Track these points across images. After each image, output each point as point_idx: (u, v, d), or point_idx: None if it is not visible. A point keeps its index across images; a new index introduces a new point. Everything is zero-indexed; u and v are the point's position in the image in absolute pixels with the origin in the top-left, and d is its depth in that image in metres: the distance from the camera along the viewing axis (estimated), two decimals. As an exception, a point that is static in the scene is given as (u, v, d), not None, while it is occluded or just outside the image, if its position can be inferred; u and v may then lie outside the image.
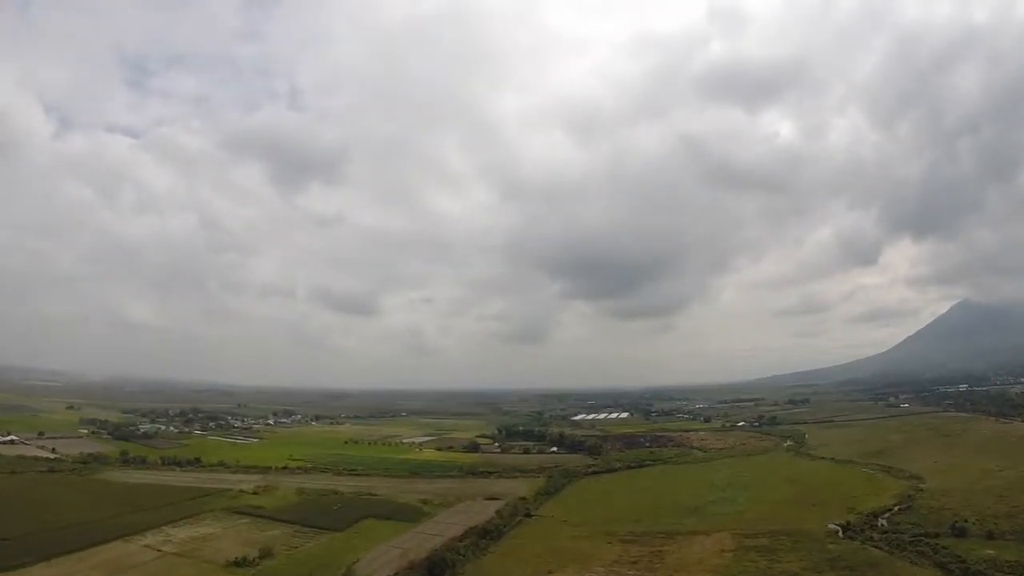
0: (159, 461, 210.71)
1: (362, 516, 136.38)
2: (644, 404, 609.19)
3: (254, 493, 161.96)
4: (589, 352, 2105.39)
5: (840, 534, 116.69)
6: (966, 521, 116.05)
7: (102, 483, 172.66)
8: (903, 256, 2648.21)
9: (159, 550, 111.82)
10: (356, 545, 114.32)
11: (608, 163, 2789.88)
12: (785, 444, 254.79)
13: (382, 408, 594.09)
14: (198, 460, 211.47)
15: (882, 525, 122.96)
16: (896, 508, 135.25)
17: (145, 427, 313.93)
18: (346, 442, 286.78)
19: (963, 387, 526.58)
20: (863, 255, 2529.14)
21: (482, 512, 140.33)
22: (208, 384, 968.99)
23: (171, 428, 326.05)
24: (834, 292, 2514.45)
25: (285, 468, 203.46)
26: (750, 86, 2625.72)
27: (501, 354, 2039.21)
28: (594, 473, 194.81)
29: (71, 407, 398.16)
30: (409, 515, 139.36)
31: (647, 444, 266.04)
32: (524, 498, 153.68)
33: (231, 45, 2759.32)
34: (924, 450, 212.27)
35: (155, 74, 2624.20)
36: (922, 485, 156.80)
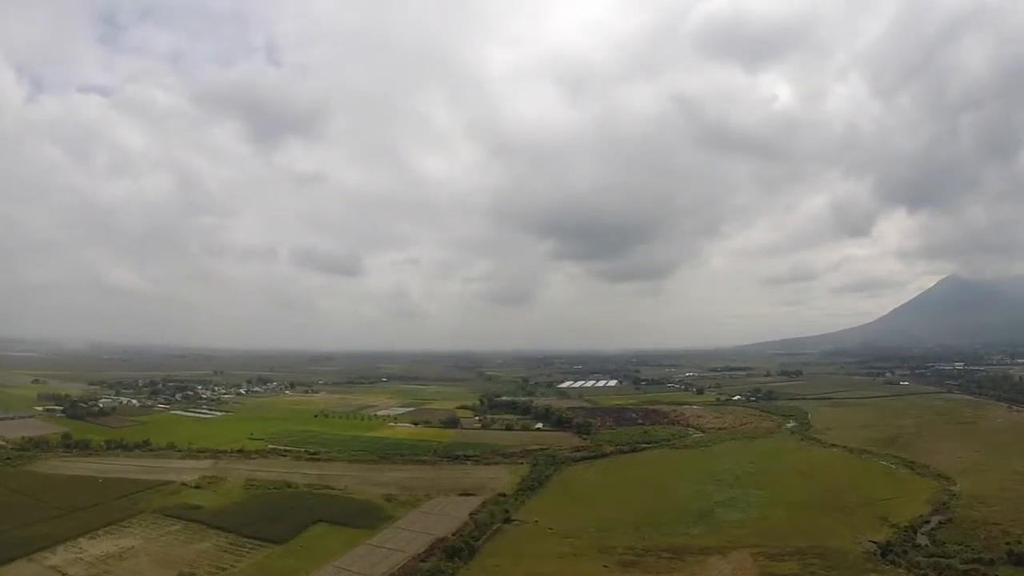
0: (103, 445, 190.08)
1: (313, 520, 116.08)
2: (632, 371, 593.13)
3: (196, 487, 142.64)
4: (576, 314, 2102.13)
5: (878, 555, 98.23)
6: (1020, 543, 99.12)
7: (31, 476, 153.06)
8: (895, 228, 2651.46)
9: (64, 573, 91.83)
10: (295, 567, 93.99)
11: (599, 122, 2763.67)
12: (788, 425, 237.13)
13: (363, 373, 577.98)
14: (146, 443, 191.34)
15: (924, 545, 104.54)
16: (934, 520, 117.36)
17: (105, 402, 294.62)
18: (316, 415, 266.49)
19: (959, 365, 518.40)
20: (855, 225, 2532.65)
21: (454, 513, 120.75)
22: (190, 349, 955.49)
23: (133, 402, 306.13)
24: (822, 261, 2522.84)
25: (240, 451, 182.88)
26: (751, 43, 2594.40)
27: (487, 316, 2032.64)
28: (584, 459, 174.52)
29: (36, 380, 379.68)
30: (368, 518, 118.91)
31: (639, 420, 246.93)
32: (503, 495, 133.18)
33: None
34: (941, 440, 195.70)
35: (128, 29, 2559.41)
36: (952, 488, 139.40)
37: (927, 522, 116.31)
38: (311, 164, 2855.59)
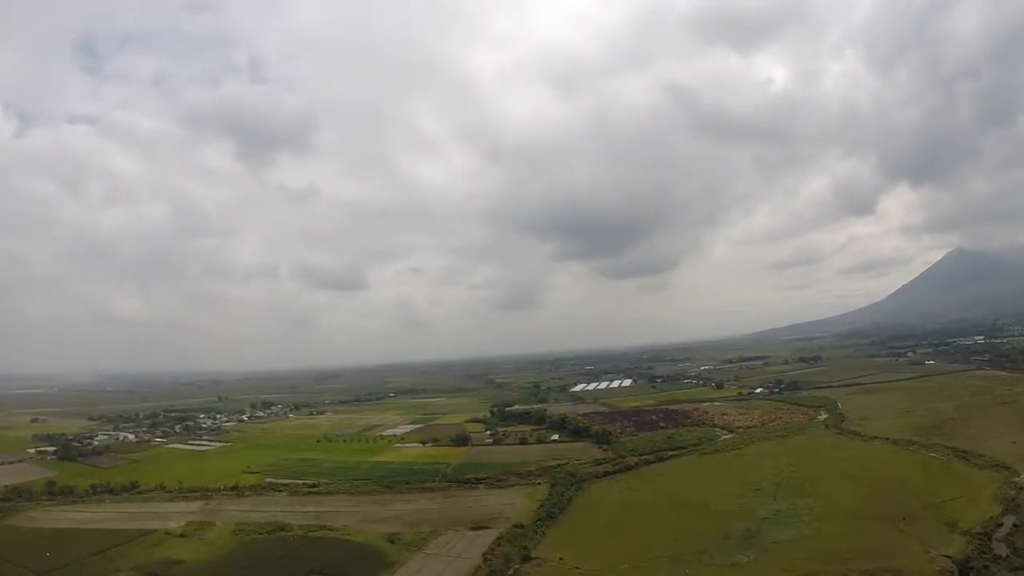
0: (89, 490, 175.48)
1: (304, 574, 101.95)
2: (645, 368, 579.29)
3: (181, 536, 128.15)
4: (583, 313, 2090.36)
5: (956, 574, 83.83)
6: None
7: (6, 532, 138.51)
8: (899, 204, 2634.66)
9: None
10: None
11: (592, 118, 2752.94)
12: (821, 418, 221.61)
13: (370, 388, 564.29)
14: (134, 485, 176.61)
15: (1005, 556, 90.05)
16: (1007, 522, 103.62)
17: (101, 439, 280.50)
18: (319, 440, 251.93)
19: (980, 340, 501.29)
20: (858, 204, 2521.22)
21: (465, 554, 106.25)
22: (198, 374, 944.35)
23: (130, 436, 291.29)
24: (827, 243, 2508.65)
25: (234, 488, 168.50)
26: (742, 25, 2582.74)
27: (493, 321, 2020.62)
28: (607, 474, 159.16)
29: (35, 420, 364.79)
30: (367, 567, 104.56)
31: (661, 423, 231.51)
32: (520, 526, 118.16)
33: (183, 18, 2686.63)
34: (988, 423, 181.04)
35: (109, 57, 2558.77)
36: (1016, 479, 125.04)
37: (1000, 525, 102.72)
38: (303, 179, 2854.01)
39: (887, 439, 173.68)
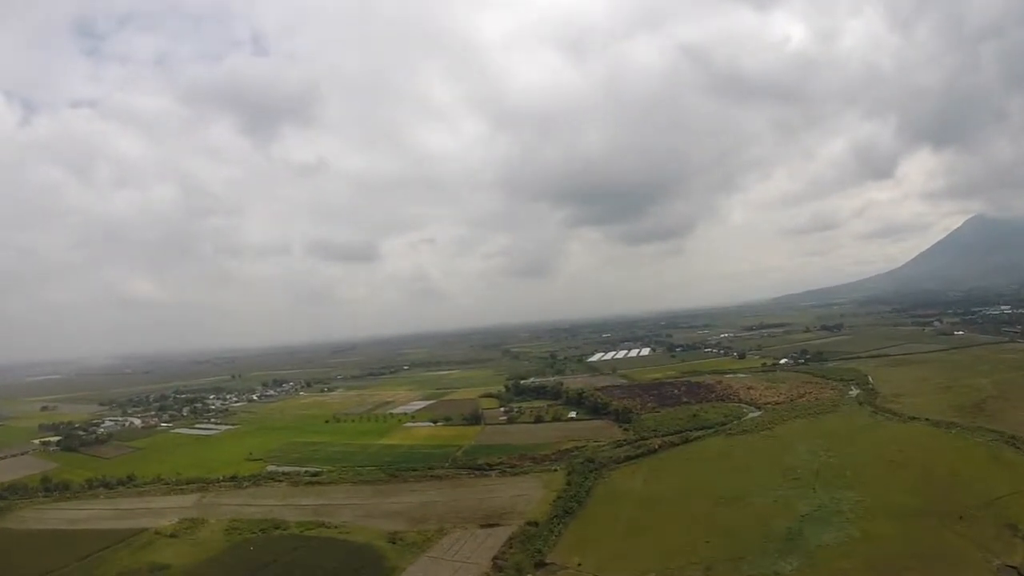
0: (85, 485, 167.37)
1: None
2: (664, 336, 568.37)
3: (172, 535, 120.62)
4: (599, 280, 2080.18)
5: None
6: None
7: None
8: (920, 168, 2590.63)
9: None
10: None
11: (604, 82, 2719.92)
12: (852, 394, 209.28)
13: (385, 361, 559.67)
14: (131, 478, 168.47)
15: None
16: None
17: (107, 425, 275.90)
18: (327, 421, 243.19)
19: (1006, 309, 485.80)
20: (878, 168, 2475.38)
21: (473, 557, 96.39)
22: (214, 352, 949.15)
23: (136, 422, 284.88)
24: (845, 208, 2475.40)
25: (232, 478, 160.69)
26: None
27: (509, 290, 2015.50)
28: (628, 459, 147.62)
29: (45, 408, 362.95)
30: (365, 573, 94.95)
31: (684, 398, 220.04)
32: (534, 523, 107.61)
33: None
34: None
35: (109, 38, 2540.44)
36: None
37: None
38: (311, 153, 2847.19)
39: (927, 420, 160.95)
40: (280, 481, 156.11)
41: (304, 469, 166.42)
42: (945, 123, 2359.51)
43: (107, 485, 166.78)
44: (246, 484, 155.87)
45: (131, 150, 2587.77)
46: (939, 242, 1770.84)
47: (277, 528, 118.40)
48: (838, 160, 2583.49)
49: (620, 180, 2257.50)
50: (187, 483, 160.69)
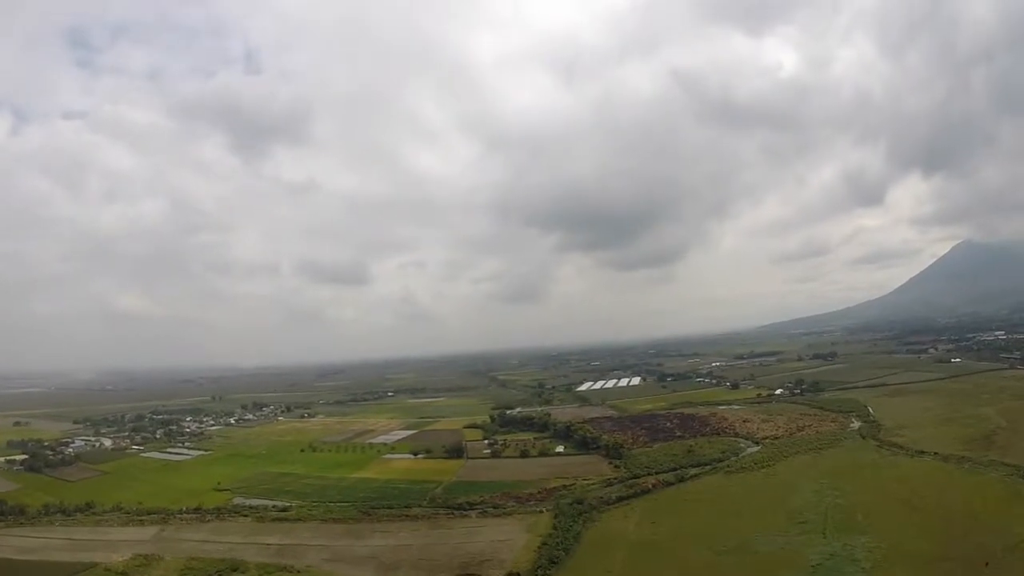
0: (42, 510, 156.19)
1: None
2: (653, 364, 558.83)
3: (121, 573, 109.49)
4: (588, 306, 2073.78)
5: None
6: None
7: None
8: (909, 194, 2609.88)
9: None
10: None
11: (597, 106, 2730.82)
12: (854, 426, 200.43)
13: (370, 386, 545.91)
14: (89, 506, 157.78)
15: None
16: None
17: (76, 445, 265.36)
18: (303, 449, 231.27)
19: (1000, 335, 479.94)
20: (868, 194, 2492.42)
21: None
22: (201, 370, 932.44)
23: (106, 443, 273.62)
24: (835, 234, 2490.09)
25: (196, 510, 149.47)
26: (753, 4, 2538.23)
27: (499, 315, 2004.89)
28: (620, 499, 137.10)
29: (18, 423, 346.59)
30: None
31: (677, 432, 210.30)
32: (517, 575, 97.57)
33: (176, 7, 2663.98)
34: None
35: (102, 50, 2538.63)
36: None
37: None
38: (302, 172, 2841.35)
39: (936, 454, 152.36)
40: (246, 515, 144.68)
41: (272, 503, 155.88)
42: (935, 148, 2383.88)
43: (65, 511, 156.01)
44: (209, 517, 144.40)
45: (121, 163, 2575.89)
46: (927, 268, 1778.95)
47: (235, 570, 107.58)
48: (829, 186, 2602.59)
49: (611, 205, 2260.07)
50: (148, 513, 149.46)
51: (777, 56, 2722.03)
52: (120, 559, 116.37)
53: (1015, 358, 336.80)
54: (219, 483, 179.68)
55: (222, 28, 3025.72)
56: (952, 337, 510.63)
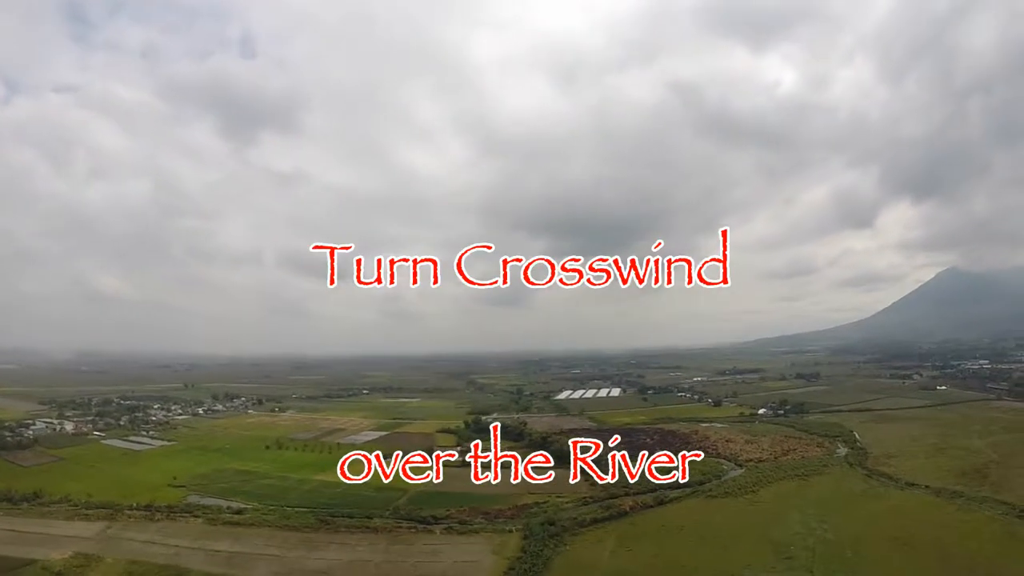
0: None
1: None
2: (634, 376, 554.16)
3: (58, 573, 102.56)
4: (572, 313, 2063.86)
5: None
6: None
7: None
8: (898, 219, 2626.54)
9: None
10: None
11: (594, 113, 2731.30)
12: (840, 452, 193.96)
13: (345, 383, 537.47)
14: (37, 495, 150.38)
15: None
16: None
17: (36, 427, 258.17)
18: (268, 446, 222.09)
19: (984, 364, 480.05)
20: (858, 217, 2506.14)
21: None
22: (180, 356, 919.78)
23: (67, 427, 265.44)
24: (821, 255, 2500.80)
25: (147, 507, 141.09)
26: (756, 19, 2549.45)
27: (482, 317, 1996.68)
28: (595, 521, 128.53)
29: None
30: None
31: (657, 449, 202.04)
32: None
33: None
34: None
35: (100, 26, 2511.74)
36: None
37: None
38: (290, 162, 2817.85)
39: (927, 487, 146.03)
40: (198, 516, 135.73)
41: (228, 503, 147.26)
42: (927, 175, 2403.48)
43: (11, 500, 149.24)
44: (159, 516, 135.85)
45: (108, 141, 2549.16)
46: (912, 293, 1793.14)
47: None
48: (819, 207, 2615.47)
49: (600, 214, 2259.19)
50: (97, 507, 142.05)
51: (777, 73, 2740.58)
52: (59, 557, 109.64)
53: (1002, 389, 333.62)
54: (175, 478, 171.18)
55: (222, 12, 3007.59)
56: (936, 364, 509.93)
